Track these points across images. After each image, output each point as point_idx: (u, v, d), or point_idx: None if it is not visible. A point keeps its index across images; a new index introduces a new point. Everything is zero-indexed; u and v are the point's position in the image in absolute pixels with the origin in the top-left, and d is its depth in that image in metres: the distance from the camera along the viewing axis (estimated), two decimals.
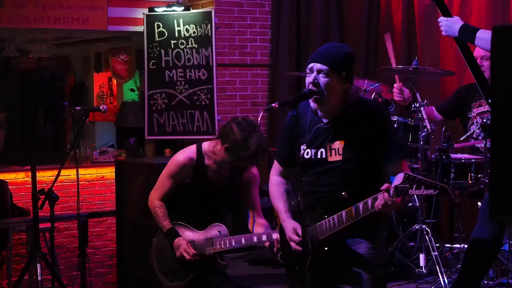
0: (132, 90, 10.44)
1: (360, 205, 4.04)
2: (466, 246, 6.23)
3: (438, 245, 6.15)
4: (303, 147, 4.33)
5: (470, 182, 6.16)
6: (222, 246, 5.41)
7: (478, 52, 6.73)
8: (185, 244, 5.48)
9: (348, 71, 4.25)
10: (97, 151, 10.27)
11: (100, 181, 9.22)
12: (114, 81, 11.34)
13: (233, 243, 5.38)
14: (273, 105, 4.13)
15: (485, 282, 5.85)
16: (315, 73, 4.18)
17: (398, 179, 4.02)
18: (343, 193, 4.15)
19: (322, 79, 4.16)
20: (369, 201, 4.00)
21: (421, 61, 7.98)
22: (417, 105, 6.21)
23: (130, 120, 9.88)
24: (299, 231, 4.24)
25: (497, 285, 5.85)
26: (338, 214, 4.13)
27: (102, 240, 9.13)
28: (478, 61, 6.66)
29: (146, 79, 8.74)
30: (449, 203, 6.76)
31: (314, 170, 4.28)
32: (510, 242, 6.03)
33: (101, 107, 6.21)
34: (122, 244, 7.77)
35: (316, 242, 4.19)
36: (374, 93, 6.40)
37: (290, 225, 4.34)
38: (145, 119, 8.62)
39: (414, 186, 3.83)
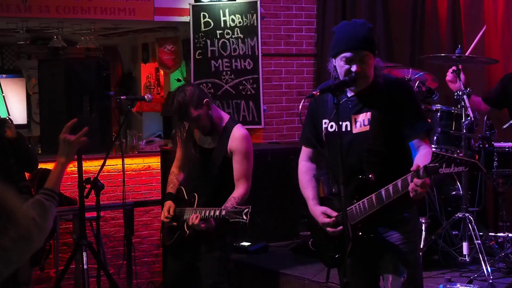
0: (179, 80, 10.50)
1: (390, 187, 4.01)
2: (510, 234, 6.23)
3: (481, 233, 6.11)
4: (325, 121, 4.30)
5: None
6: (191, 215, 5.39)
7: None
8: (166, 207, 5.60)
9: (376, 45, 4.25)
10: (144, 141, 10.36)
11: (147, 171, 9.31)
12: (161, 72, 11.42)
13: (202, 214, 5.34)
14: (314, 92, 4.14)
15: None
16: (356, 63, 4.13)
17: (424, 157, 4.00)
18: (370, 176, 4.13)
19: (363, 65, 4.14)
20: (399, 182, 3.97)
21: (466, 50, 7.96)
22: (460, 93, 6.17)
23: None
24: (330, 213, 4.25)
25: None
26: (368, 197, 4.10)
27: (148, 230, 9.22)
28: None
29: (192, 69, 8.80)
30: (493, 191, 6.71)
31: (340, 143, 4.11)
32: None
33: (146, 96, 6.26)
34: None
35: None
36: (418, 82, 6.37)
37: (319, 210, 4.32)
38: None
39: (444, 164, 3.78)
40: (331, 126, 4.29)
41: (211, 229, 5.35)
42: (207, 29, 8.73)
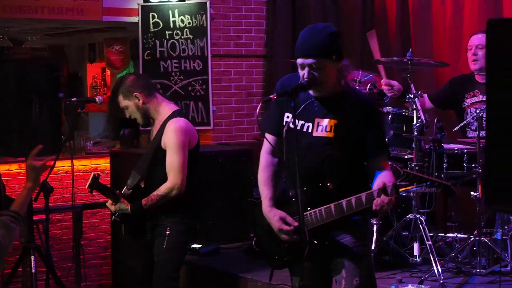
0: None
1: (353, 200, 4.02)
2: (459, 235, 6.30)
3: (432, 234, 6.17)
4: (288, 114, 4.23)
5: (463, 171, 6.20)
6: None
7: (473, 41, 6.79)
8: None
9: (338, 51, 4.15)
10: (91, 142, 10.25)
11: (91, 173, 9.17)
12: (108, 72, 11.34)
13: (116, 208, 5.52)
14: (271, 96, 4.09)
15: (478, 270, 5.91)
16: (307, 69, 4.12)
17: (390, 177, 4.04)
18: (328, 184, 4.13)
19: (316, 71, 4.11)
20: (363, 197, 3.98)
21: (415, 53, 8.03)
22: (412, 96, 6.23)
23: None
24: (290, 222, 4.20)
25: (489, 273, 5.90)
26: (326, 207, 4.10)
27: (96, 232, 9.12)
28: (472, 50, 6.75)
29: (141, 70, 8.76)
30: (443, 192, 6.78)
31: (298, 143, 4.14)
32: (502, 230, 6.09)
33: (97, 98, 6.22)
34: (117, 234, 7.78)
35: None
36: (369, 84, 6.41)
37: (277, 215, 4.25)
38: None
39: (415, 183, 3.83)
40: (293, 123, 4.21)
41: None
42: (156, 29, 8.70)
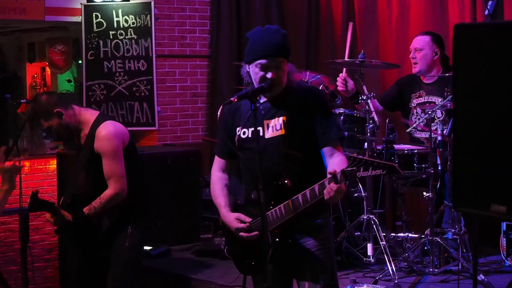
0: (69, 81, 10.33)
1: (307, 192, 4.04)
2: (410, 234, 6.38)
3: (384, 234, 6.23)
4: (238, 128, 4.31)
5: (413, 172, 6.28)
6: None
7: (412, 44, 6.89)
8: None
9: (289, 51, 4.28)
10: (33, 143, 10.10)
11: (37, 174, 9.07)
12: (48, 72, 11.19)
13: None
14: (232, 99, 4.12)
15: (431, 269, 5.98)
16: (271, 70, 4.15)
17: (339, 163, 4.06)
18: (286, 181, 4.15)
19: (278, 72, 4.17)
20: (316, 187, 4.00)
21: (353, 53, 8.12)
22: (364, 98, 6.29)
23: None
24: (243, 219, 4.24)
25: (441, 273, 5.98)
26: (284, 203, 4.12)
27: (40, 234, 8.99)
28: (411, 53, 6.85)
29: (84, 70, 8.67)
30: (393, 192, 6.87)
31: (251, 150, 4.21)
32: (453, 230, 6.18)
33: None
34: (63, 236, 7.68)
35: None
36: (321, 85, 6.45)
37: (232, 217, 4.29)
38: None
39: (362, 168, 3.86)
40: (244, 133, 4.30)
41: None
42: (99, 29, 8.63)
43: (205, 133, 9.37)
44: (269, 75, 4.15)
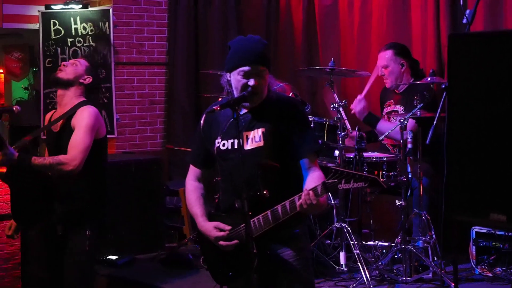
0: (26, 88, 10.16)
1: (287, 203, 4.02)
2: (380, 243, 6.39)
3: (353, 242, 6.22)
4: (217, 140, 4.29)
5: (382, 180, 6.29)
6: None
7: (378, 62, 6.94)
8: None
9: (270, 62, 4.28)
10: None
11: None
12: (1, 78, 10.99)
13: None
14: (214, 107, 4.11)
15: (404, 278, 6.00)
16: (254, 77, 4.13)
17: (318, 179, 4.04)
18: (265, 192, 4.10)
19: (260, 80, 4.15)
20: (296, 199, 3.98)
21: (322, 61, 8.13)
22: (336, 106, 6.29)
23: (25, 119, 9.59)
24: (223, 227, 4.20)
25: (414, 281, 6.00)
26: (263, 214, 4.09)
27: None
28: (379, 70, 6.91)
29: (42, 78, 8.57)
30: (361, 201, 6.87)
31: (231, 161, 4.21)
32: (423, 238, 6.21)
33: (14, 108, 5.99)
34: (26, 245, 7.53)
35: (244, 243, 4.10)
36: (291, 93, 6.44)
37: (211, 226, 4.26)
38: (41, 118, 8.41)
39: (343, 180, 3.86)
40: (223, 145, 4.27)
41: None
42: (57, 36, 8.53)
43: (163, 141, 9.30)
44: (251, 82, 4.13)
